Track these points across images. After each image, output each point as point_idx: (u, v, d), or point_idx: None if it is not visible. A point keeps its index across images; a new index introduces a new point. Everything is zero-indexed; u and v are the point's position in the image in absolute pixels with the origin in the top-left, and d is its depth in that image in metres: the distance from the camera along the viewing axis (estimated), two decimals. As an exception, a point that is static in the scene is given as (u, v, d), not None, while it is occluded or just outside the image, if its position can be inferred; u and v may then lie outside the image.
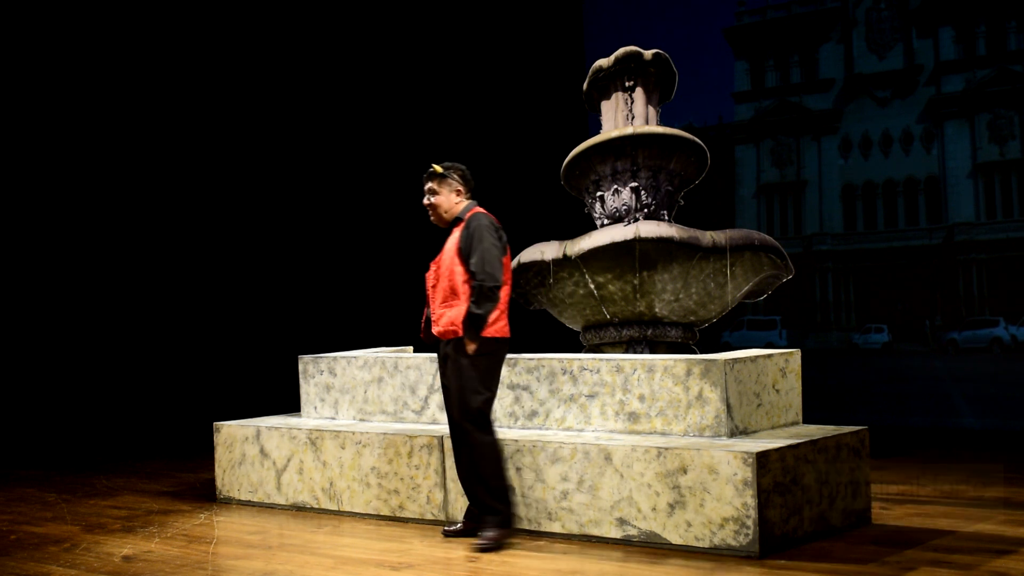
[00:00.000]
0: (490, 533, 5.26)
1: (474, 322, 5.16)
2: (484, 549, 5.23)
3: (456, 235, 5.35)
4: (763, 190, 12.70)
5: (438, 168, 5.44)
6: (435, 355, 6.31)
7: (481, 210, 5.42)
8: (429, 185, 5.47)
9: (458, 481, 5.76)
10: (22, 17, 10.55)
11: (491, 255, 5.18)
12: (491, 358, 5.28)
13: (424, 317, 5.51)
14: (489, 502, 5.29)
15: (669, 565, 4.86)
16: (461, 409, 5.27)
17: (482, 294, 5.16)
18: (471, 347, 5.20)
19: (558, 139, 9.53)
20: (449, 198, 5.44)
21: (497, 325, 5.26)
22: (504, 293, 5.29)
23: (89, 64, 10.96)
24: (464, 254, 5.25)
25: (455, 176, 5.45)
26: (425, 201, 5.50)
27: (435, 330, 5.37)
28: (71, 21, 10.84)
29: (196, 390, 11.38)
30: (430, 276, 5.46)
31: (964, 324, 11.02)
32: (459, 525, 5.57)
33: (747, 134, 12.50)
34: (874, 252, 11.76)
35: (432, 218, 5.52)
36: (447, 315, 5.31)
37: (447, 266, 5.33)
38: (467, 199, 5.48)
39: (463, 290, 5.25)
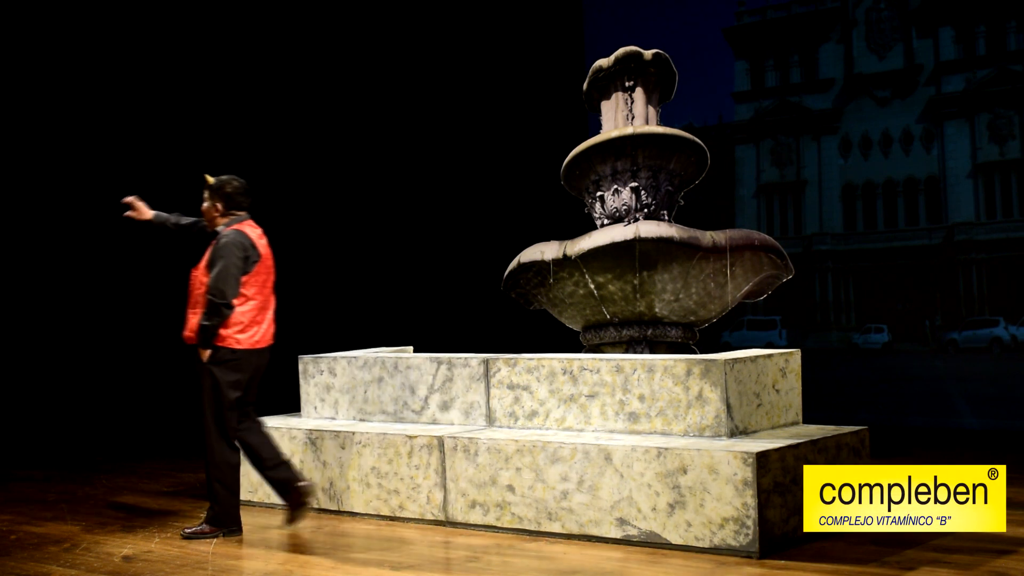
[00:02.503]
0: (206, 527, 5.69)
1: (201, 333, 5.61)
2: (187, 536, 5.66)
3: (211, 247, 5.75)
4: (763, 190, 12.69)
5: (209, 179, 5.84)
6: (435, 355, 6.39)
7: (244, 227, 5.76)
8: (204, 192, 5.89)
9: (457, 480, 5.77)
10: (20, 17, 10.55)
11: (226, 272, 5.56)
12: (227, 366, 5.64)
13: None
14: (213, 501, 5.69)
15: (669, 565, 4.87)
16: (202, 412, 5.70)
17: (210, 308, 5.56)
18: (203, 355, 5.64)
19: (558, 139, 9.52)
20: (210, 210, 5.86)
21: (239, 336, 5.63)
22: (256, 307, 5.68)
23: (88, 65, 10.95)
24: (209, 267, 5.65)
25: (219, 192, 5.83)
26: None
27: (184, 333, 5.78)
28: (66, 20, 10.85)
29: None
30: (191, 280, 5.86)
31: (964, 324, 11.02)
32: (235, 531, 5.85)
33: (747, 134, 12.49)
34: (874, 252, 11.76)
35: (206, 222, 5.96)
36: (191, 322, 5.76)
37: (199, 276, 5.74)
38: (230, 215, 5.81)
39: (203, 301, 5.62)
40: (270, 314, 5.83)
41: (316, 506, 6.37)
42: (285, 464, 5.85)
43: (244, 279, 5.62)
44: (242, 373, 5.68)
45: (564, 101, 11.24)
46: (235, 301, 5.60)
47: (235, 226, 5.74)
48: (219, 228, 5.77)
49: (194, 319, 5.70)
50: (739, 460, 4.93)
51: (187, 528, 5.81)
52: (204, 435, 5.72)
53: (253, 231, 5.78)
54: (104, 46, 11.03)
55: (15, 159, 10.60)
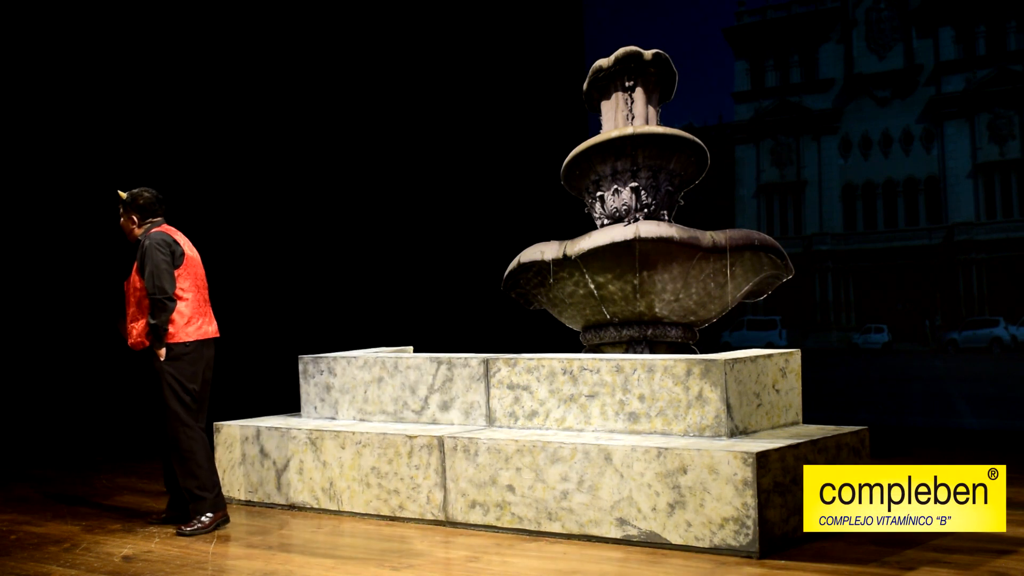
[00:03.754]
0: (203, 519, 5.82)
1: (153, 332, 5.83)
2: (195, 533, 5.75)
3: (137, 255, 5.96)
4: (763, 190, 12.69)
5: (122, 194, 6.09)
6: (435, 355, 6.39)
7: (163, 229, 6.00)
8: (119, 207, 6.11)
9: (457, 481, 5.77)
10: (18, 17, 10.55)
11: (159, 270, 5.80)
12: (182, 361, 5.87)
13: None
14: (196, 492, 5.83)
15: (669, 565, 4.87)
16: (162, 411, 5.86)
17: (155, 306, 5.79)
18: (160, 354, 5.83)
19: (558, 139, 9.52)
20: (127, 223, 6.11)
21: (187, 329, 5.87)
22: (195, 299, 5.90)
23: (85, 66, 10.95)
24: (141, 272, 5.89)
25: (132, 204, 6.07)
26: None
27: (129, 342, 5.95)
28: (63, 21, 10.85)
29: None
30: (126, 292, 6.03)
31: (964, 324, 11.02)
32: (163, 514, 6.20)
33: (747, 134, 12.49)
34: (874, 252, 11.76)
35: (126, 234, 6.16)
36: (136, 328, 5.95)
37: (133, 283, 5.94)
38: (146, 224, 6.06)
39: (144, 304, 5.86)
40: (210, 308, 6.09)
41: (317, 506, 6.38)
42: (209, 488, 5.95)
43: (177, 274, 5.87)
44: (196, 366, 5.92)
45: (564, 101, 11.25)
46: (176, 293, 5.83)
47: (150, 231, 5.99)
48: (139, 237, 6.01)
49: (139, 324, 5.90)
50: (739, 460, 4.93)
51: (184, 527, 5.82)
52: (169, 429, 5.84)
53: (171, 230, 6.03)
54: (102, 48, 11.03)
55: (18, 159, 10.60)
